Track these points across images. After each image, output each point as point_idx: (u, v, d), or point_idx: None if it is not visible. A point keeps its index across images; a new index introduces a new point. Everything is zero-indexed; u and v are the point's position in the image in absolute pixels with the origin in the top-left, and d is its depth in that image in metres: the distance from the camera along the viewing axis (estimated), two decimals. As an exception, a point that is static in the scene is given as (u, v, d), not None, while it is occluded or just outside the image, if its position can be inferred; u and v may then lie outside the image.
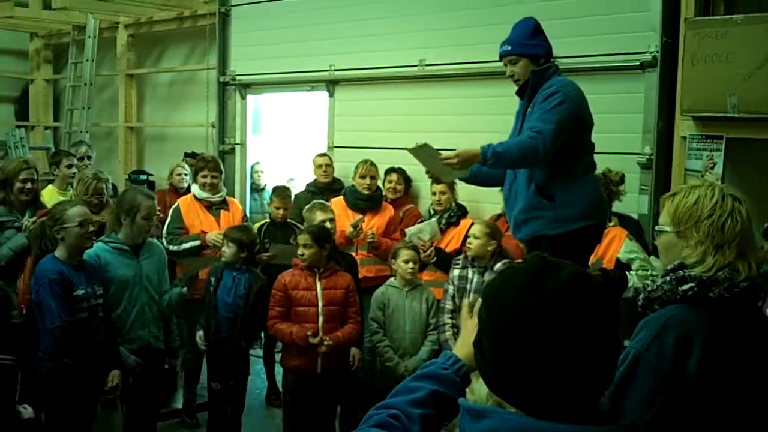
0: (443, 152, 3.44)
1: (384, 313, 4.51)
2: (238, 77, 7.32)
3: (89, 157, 6.17)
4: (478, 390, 1.37)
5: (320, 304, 4.32)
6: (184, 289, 4.13)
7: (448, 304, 4.48)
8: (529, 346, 1.18)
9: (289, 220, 5.55)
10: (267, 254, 5.19)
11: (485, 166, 3.32)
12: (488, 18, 5.42)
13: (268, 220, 5.65)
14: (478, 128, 5.60)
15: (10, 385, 3.47)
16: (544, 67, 3.38)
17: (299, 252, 4.35)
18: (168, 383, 4.79)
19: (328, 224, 4.67)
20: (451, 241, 5.09)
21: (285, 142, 8.16)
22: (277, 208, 5.49)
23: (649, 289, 1.82)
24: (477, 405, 1.27)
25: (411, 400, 1.38)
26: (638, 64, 4.84)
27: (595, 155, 3.47)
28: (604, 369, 1.21)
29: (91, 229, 3.70)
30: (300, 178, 7.00)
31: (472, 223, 4.71)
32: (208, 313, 4.45)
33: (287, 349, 4.44)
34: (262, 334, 5.12)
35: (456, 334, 4.36)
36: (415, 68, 5.97)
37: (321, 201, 5.18)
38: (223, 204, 5.40)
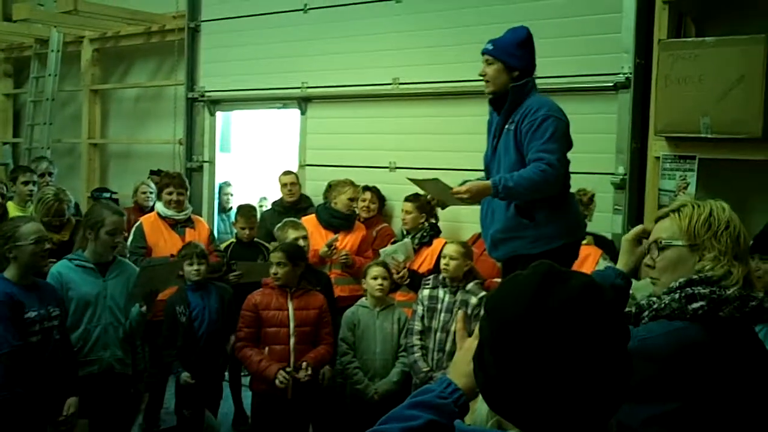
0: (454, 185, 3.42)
1: (354, 333, 4.42)
2: (207, 93, 7.21)
3: (50, 174, 6.00)
4: (478, 410, 1.26)
5: (292, 324, 4.21)
6: (143, 308, 3.88)
7: (417, 325, 4.39)
8: (535, 360, 1.09)
9: (256, 239, 5.44)
10: (234, 274, 5.05)
11: (498, 199, 3.31)
12: (462, 37, 5.40)
13: (234, 239, 5.53)
14: (452, 147, 5.60)
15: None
16: (522, 83, 3.36)
17: (272, 271, 4.25)
18: (131, 408, 4.60)
19: (301, 242, 4.57)
20: (423, 262, 5.03)
21: (255, 161, 8.04)
22: (243, 228, 5.37)
23: (655, 306, 1.75)
24: (476, 427, 1.19)
25: (405, 428, 1.28)
26: (612, 85, 4.86)
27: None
28: (615, 387, 1.12)
29: (47, 246, 3.46)
30: (272, 198, 6.89)
31: (445, 243, 4.66)
32: (186, 343, 4.31)
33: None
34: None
35: (425, 356, 4.29)
36: (389, 86, 5.93)
37: (293, 219, 5.08)
38: (189, 222, 5.23)
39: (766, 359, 1.79)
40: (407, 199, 5.20)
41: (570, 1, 5.08)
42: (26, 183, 5.35)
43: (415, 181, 3.58)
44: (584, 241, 4.00)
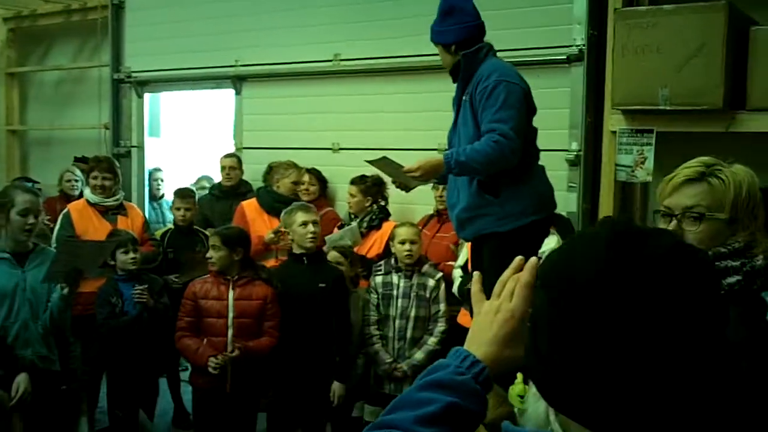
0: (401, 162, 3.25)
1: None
2: (133, 74, 6.76)
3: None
4: (532, 409, 0.95)
5: (230, 315, 3.90)
6: (65, 290, 3.42)
7: (373, 314, 4.16)
8: (610, 339, 0.82)
9: (195, 226, 5.09)
10: (176, 276, 4.69)
11: (452, 174, 3.08)
12: (408, 9, 5.14)
13: (171, 226, 5.16)
14: (399, 126, 5.35)
15: None
16: (473, 50, 3.14)
17: (208, 255, 3.93)
18: (70, 409, 4.22)
19: (310, 226, 4.12)
20: (372, 246, 4.77)
21: (187, 145, 7.63)
22: (178, 209, 5.03)
23: None
24: (532, 429, 0.92)
25: (418, 416, 0.98)
26: (564, 57, 4.68)
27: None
28: (715, 382, 0.84)
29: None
30: (215, 178, 6.47)
31: (395, 226, 4.42)
32: (120, 337, 4.00)
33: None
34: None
35: (385, 346, 4.05)
36: (330, 63, 5.62)
37: (303, 203, 4.60)
38: (121, 209, 4.90)
39: None
40: (352, 182, 4.94)
41: (519, -28, 4.88)
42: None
43: (372, 163, 3.35)
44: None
